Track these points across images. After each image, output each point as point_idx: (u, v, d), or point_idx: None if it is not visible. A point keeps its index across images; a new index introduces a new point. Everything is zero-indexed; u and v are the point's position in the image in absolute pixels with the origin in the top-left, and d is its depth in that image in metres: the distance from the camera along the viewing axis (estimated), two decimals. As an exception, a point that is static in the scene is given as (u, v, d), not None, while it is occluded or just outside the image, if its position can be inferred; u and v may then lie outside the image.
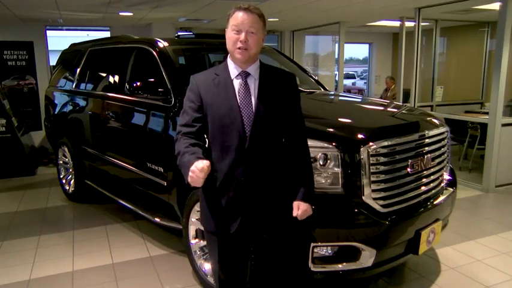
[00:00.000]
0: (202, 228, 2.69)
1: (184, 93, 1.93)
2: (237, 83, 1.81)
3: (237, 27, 1.75)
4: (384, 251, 2.40)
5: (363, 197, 2.33)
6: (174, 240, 3.60)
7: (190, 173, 1.60)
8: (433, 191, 2.73)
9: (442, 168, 2.83)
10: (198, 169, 1.58)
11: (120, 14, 6.59)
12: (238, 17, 1.75)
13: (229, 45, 1.79)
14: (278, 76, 1.89)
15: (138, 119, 3.42)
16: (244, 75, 1.81)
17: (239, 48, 1.74)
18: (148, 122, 3.29)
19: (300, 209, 1.84)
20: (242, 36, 1.73)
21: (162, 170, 3.09)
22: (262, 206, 1.82)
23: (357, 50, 29.25)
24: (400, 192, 2.47)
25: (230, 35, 1.77)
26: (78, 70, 4.62)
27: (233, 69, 1.82)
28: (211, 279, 2.69)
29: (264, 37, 1.83)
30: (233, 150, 1.76)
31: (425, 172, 2.62)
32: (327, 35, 10.05)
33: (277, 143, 1.85)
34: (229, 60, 1.85)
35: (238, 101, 1.77)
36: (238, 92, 1.79)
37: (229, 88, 1.80)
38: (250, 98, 1.79)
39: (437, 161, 2.74)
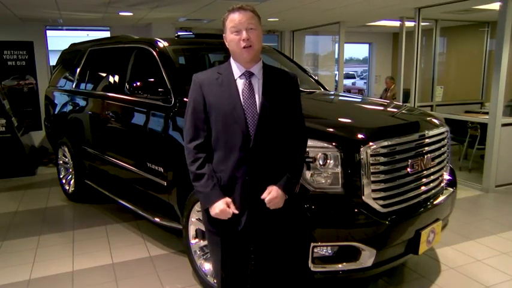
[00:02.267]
0: (202, 228, 2.71)
1: (185, 93, 1.94)
2: (240, 83, 1.82)
3: (235, 28, 1.76)
4: (384, 251, 2.40)
5: (363, 197, 2.33)
6: (174, 240, 3.60)
7: (217, 211, 1.77)
8: (433, 191, 2.73)
9: (442, 168, 2.83)
10: (224, 214, 1.77)
11: (120, 14, 6.59)
12: (235, 18, 1.76)
13: (232, 47, 1.80)
14: (281, 76, 1.90)
15: (138, 119, 3.42)
16: (248, 75, 1.82)
17: (244, 47, 1.75)
18: (148, 122, 3.29)
19: (270, 193, 1.79)
20: (244, 34, 1.75)
21: (162, 170, 3.09)
22: (266, 206, 1.82)
23: (357, 50, 29.25)
24: (400, 192, 2.47)
25: (231, 37, 1.78)
26: (78, 70, 4.62)
27: (236, 69, 1.83)
28: (211, 279, 2.69)
29: (262, 33, 1.84)
30: (237, 150, 1.77)
31: (425, 172, 2.62)
32: (327, 35, 10.05)
33: (281, 142, 1.85)
34: (232, 60, 1.86)
35: (242, 100, 1.78)
36: (242, 92, 1.80)
37: (233, 87, 1.80)
38: (254, 98, 1.79)
39: (437, 161, 2.74)
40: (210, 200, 1.79)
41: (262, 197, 1.80)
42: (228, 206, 1.78)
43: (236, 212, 1.78)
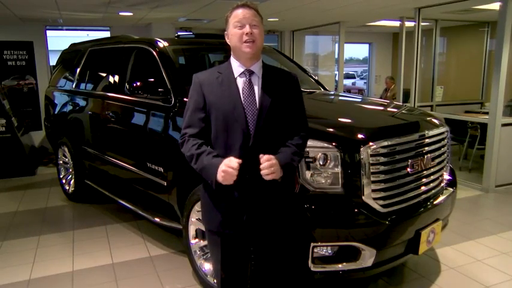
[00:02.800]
0: (202, 228, 2.71)
1: (185, 93, 1.93)
2: (240, 81, 1.82)
3: (239, 22, 1.77)
4: (384, 251, 2.40)
5: (363, 197, 2.33)
6: (174, 240, 3.60)
7: (222, 173, 1.68)
8: (433, 191, 2.73)
9: (442, 168, 2.83)
10: (232, 167, 1.66)
11: (120, 14, 6.59)
12: (239, 13, 1.78)
13: (234, 41, 1.80)
14: (281, 76, 1.90)
15: (138, 119, 3.42)
16: (248, 73, 1.82)
17: (246, 41, 1.76)
18: (148, 122, 3.29)
19: (270, 160, 1.70)
20: (247, 28, 1.75)
21: (162, 170, 3.09)
22: (267, 204, 1.82)
23: (357, 50, 29.24)
24: (400, 192, 2.47)
25: (234, 32, 1.78)
26: (78, 70, 4.62)
27: (237, 68, 1.83)
28: (211, 279, 2.69)
29: (263, 33, 1.84)
30: (237, 149, 1.76)
31: (425, 172, 2.62)
32: (327, 35, 10.05)
33: (281, 140, 1.85)
34: (232, 59, 1.86)
35: (242, 99, 1.78)
36: (243, 90, 1.80)
37: (233, 86, 1.80)
38: (254, 96, 1.80)
39: (437, 161, 2.74)
40: (215, 167, 1.70)
41: (261, 159, 1.70)
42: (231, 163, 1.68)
43: (240, 160, 1.68)
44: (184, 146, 1.84)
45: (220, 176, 1.70)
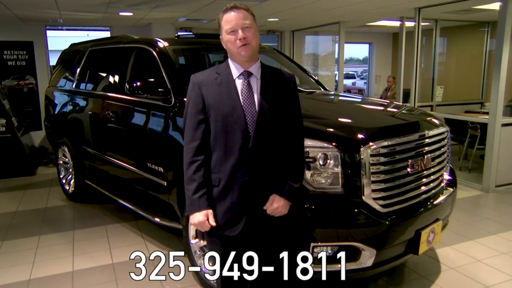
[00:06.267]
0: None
1: (185, 93, 1.93)
2: (239, 83, 1.81)
3: (231, 28, 1.77)
4: (384, 251, 2.40)
5: (363, 197, 2.33)
6: (174, 240, 3.60)
7: (194, 224, 1.83)
8: (433, 191, 2.73)
9: (442, 168, 2.83)
10: (201, 226, 1.82)
11: (120, 14, 6.59)
12: (229, 18, 1.77)
13: (230, 47, 1.80)
14: (279, 76, 1.89)
15: (138, 119, 3.42)
16: (247, 74, 1.82)
17: (241, 46, 1.75)
18: (148, 122, 3.29)
19: (273, 204, 1.82)
20: (240, 34, 1.75)
21: (162, 170, 3.10)
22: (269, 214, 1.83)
23: (357, 50, 29.25)
24: (400, 192, 2.47)
25: (228, 38, 1.79)
26: (78, 70, 4.62)
27: (235, 69, 1.83)
28: (211, 279, 2.69)
29: (258, 32, 1.84)
30: (237, 150, 1.76)
31: (425, 172, 2.62)
32: (327, 35, 10.06)
33: (280, 142, 1.85)
34: (230, 61, 1.86)
35: (242, 100, 1.78)
36: (241, 92, 1.79)
37: (232, 88, 1.80)
38: (253, 98, 1.79)
39: (437, 161, 2.74)
40: (193, 208, 1.81)
41: (264, 207, 1.82)
42: (208, 219, 1.80)
43: (214, 224, 1.80)
44: (184, 158, 1.85)
45: (191, 221, 1.83)
